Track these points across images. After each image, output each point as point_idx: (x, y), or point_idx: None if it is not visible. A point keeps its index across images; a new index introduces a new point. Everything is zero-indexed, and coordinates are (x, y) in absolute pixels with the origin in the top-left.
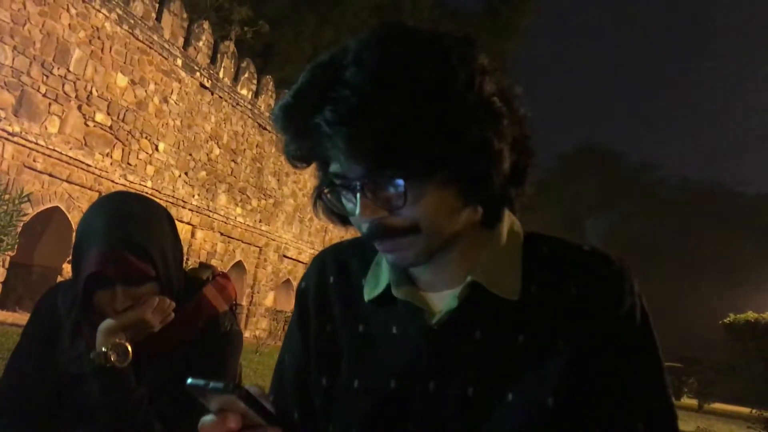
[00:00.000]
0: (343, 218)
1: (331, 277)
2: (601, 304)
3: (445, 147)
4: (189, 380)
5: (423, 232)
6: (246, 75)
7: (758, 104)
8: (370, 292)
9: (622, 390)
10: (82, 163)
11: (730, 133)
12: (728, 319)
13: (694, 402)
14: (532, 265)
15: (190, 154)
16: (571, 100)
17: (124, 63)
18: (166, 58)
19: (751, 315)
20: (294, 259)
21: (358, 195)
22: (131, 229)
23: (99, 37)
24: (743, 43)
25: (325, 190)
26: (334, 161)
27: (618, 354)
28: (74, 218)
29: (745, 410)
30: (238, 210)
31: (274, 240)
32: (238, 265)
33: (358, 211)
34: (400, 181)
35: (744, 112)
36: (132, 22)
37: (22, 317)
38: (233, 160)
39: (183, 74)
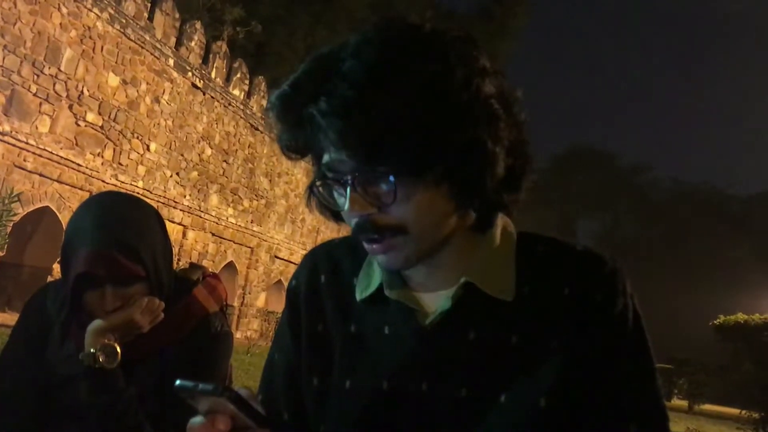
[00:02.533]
0: (335, 213)
1: (322, 275)
2: (594, 304)
3: (438, 145)
4: (177, 382)
5: (411, 233)
6: (238, 75)
7: (750, 106)
8: (362, 292)
9: (614, 391)
10: (73, 162)
11: (722, 135)
12: (718, 320)
13: (684, 403)
14: (525, 265)
15: (182, 155)
16: (564, 102)
17: (116, 63)
18: (157, 58)
19: (741, 316)
20: (286, 260)
21: (348, 189)
22: (121, 229)
23: (90, 37)
24: (736, 46)
25: (317, 183)
26: (327, 153)
27: (610, 355)
28: (65, 218)
29: (735, 411)
30: (230, 210)
31: (265, 241)
32: (230, 266)
33: (347, 205)
34: (391, 178)
35: (736, 114)
36: (124, 21)
37: (12, 317)
38: (225, 161)
39: (175, 74)
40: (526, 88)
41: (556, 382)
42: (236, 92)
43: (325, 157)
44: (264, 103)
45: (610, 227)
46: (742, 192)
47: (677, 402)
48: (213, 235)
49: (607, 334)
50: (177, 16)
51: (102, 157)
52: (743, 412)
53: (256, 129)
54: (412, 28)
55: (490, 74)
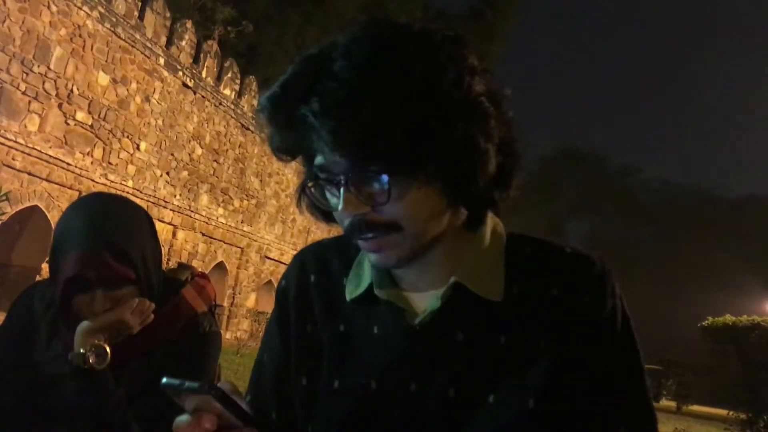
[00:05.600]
0: (326, 214)
1: (312, 275)
2: (583, 305)
3: (431, 144)
4: (164, 380)
5: (404, 231)
6: (229, 75)
7: (738, 109)
8: (351, 292)
9: (602, 392)
10: (62, 161)
11: (710, 137)
12: (706, 321)
13: (672, 404)
14: (514, 266)
15: (172, 154)
16: (553, 103)
17: (106, 61)
18: (148, 57)
19: (728, 318)
20: (276, 260)
21: (342, 189)
22: (110, 231)
23: (80, 35)
24: (725, 50)
25: (309, 184)
26: (319, 154)
27: (599, 356)
28: (54, 217)
29: (723, 412)
30: (220, 210)
31: (256, 241)
32: (220, 266)
33: (341, 205)
34: (384, 177)
35: (724, 117)
36: (114, 20)
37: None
38: (215, 160)
39: (165, 73)
40: (515, 89)
41: (544, 383)
42: (227, 92)
43: (318, 158)
44: (255, 102)
45: (599, 229)
46: (731, 194)
47: (665, 403)
48: (203, 235)
49: (596, 336)
50: (168, 15)
51: (91, 156)
52: (731, 412)
53: (247, 129)
54: (401, 27)
55: (479, 72)
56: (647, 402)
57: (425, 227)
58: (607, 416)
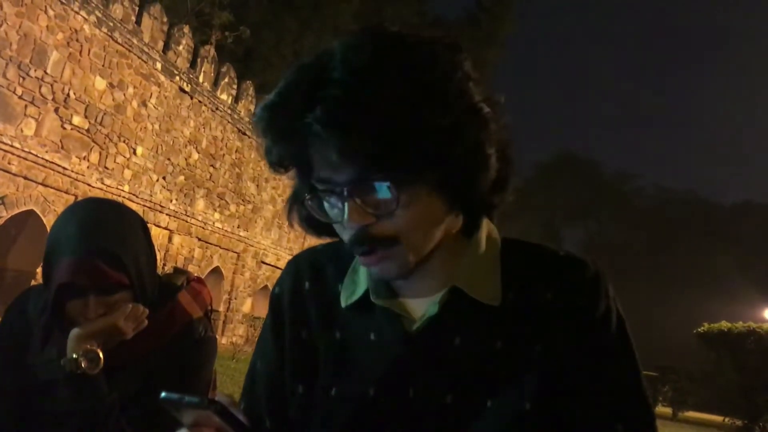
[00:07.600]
0: (318, 228)
1: (306, 282)
2: (577, 308)
3: (437, 151)
4: (163, 394)
5: (404, 242)
6: (226, 80)
7: (734, 115)
8: (347, 298)
9: (599, 393)
10: (59, 166)
11: (706, 143)
12: (702, 328)
13: (668, 410)
14: (510, 271)
15: (169, 159)
16: (549, 109)
17: (103, 66)
18: (145, 62)
19: (724, 324)
20: (272, 266)
21: (347, 200)
22: (104, 237)
23: (77, 40)
24: (720, 55)
25: (307, 196)
26: (321, 165)
27: (595, 357)
28: (49, 222)
29: (718, 418)
30: (217, 215)
31: (252, 246)
32: (216, 271)
33: (345, 216)
34: (392, 185)
35: (720, 123)
36: (111, 24)
37: None
38: (212, 165)
39: (162, 78)
40: (512, 95)
41: (541, 386)
42: (224, 97)
43: (318, 168)
44: (252, 108)
45: (595, 234)
46: (727, 201)
47: (661, 409)
48: (199, 239)
49: (591, 337)
50: (165, 19)
51: (88, 160)
52: (726, 419)
53: (244, 134)
54: (397, 34)
55: (474, 80)
56: (644, 400)
57: (426, 237)
58: (604, 416)
